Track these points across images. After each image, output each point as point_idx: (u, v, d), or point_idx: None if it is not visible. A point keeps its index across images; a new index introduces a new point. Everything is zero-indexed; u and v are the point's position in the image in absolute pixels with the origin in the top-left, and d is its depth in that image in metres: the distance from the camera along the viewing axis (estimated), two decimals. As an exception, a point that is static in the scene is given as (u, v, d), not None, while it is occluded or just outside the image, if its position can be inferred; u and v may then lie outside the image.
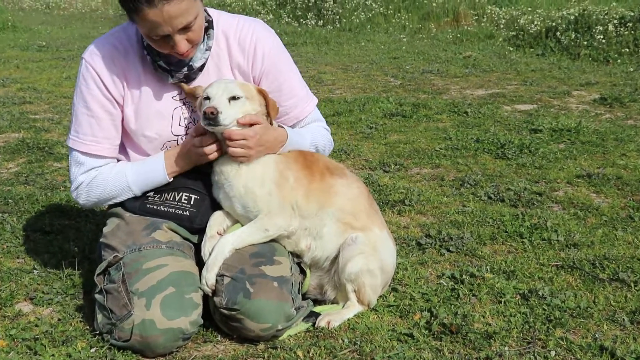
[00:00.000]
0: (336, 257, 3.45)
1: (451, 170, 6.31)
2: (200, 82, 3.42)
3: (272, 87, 3.50)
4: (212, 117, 3.12)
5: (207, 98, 3.21)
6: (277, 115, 3.43)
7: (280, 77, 3.53)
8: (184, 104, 3.44)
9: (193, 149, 3.30)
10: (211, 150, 3.27)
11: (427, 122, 8.39)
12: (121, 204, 3.52)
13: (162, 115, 3.39)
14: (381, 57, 13.97)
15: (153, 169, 3.38)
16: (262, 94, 3.31)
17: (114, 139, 3.41)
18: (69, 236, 4.72)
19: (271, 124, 3.31)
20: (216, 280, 3.20)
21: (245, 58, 3.44)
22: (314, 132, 3.60)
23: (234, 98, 3.18)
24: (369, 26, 18.42)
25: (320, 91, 10.68)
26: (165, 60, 3.27)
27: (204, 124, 3.17)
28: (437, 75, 11.85)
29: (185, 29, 3.07)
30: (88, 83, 3.31)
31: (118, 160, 3.47)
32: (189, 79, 3.37)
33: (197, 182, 3.49)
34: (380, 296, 3.70)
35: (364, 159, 6.77)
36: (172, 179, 3.42)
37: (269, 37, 3.48)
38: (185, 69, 3.34)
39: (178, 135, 3.44)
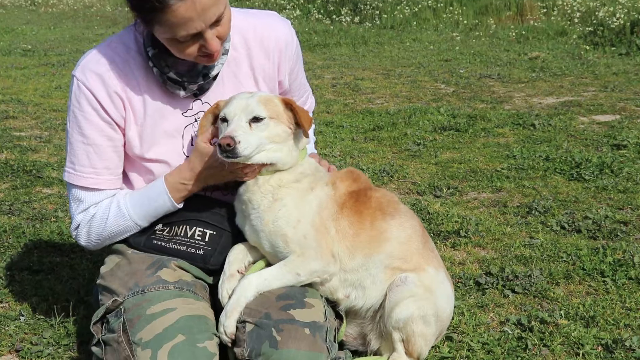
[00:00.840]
0: (382, 304, 3.47)
1: (515, 195, 6.31)
2: (214, 93, 3.48)
3: (294, 87, 3.74)
4: (228, 150, 3.10)
5: (225, 120, 3.26)
6: None
7: (300, 73, 3.77)
8: (197, 120, 3.48)
9: (215, 164, 3.32)
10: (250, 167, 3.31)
11: (486, 137, 8.39)
12: (124, 239, 3.57)
13: (171, 135, 3.43)
14: (430, 59, 14.03)
15: (156, 196, 3.40)
16: (291, 107, 3.34)
17: (116, 167, 3.45)
18: (62, 276, 4.80)
19: (306, 135, 3.36)
20: (237, 327, 3.22)
21: (270, 60, 3.51)
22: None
23: (255, 120, 3.21)
24: (415, 23, 18.52)
25: (357, 101, 10.76)
26: (175, 71, 3.32)
27: (221, 156, 3.18)
28: (498, 80, 11.85)
29: (216, 22, 3.13)
30: (82, 106, 3.33)
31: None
32: (202, 90, 3.42)
33: (213, 213, 3.53)
34: (433, 347, 3.71)
35: (411, 182, 6.79)
36: (181, 204, 3.45)
37: (290, 30, 3.61)
38: (201, 78, 3.39)
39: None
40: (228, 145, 3.10)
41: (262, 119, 3.22)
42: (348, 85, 11.84)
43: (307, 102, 3.90)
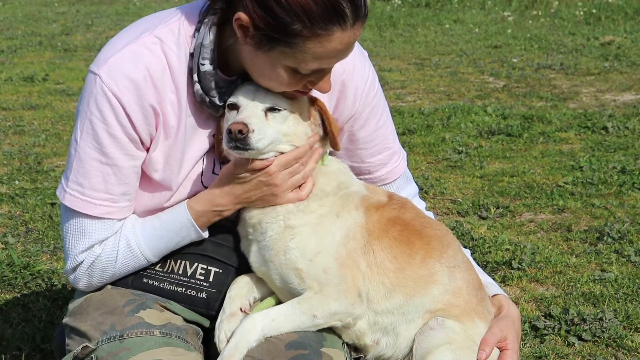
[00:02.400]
0: (411, 350, 3.47)
1: (583, 217, 6.31)
2: None
3: (360, 137, 3.63)
4: (240, 138, 3.11)
5: (235, 107, 3.29)
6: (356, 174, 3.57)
7: (373, 123, 3.65)
8: None
9: (253, 180, 3.30)
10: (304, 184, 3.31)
11: (545, 143, 8.39)
12: None
13: (195, 161, 3.44)
14: (475, 45, 14.07)
15: (178, 229, 3.39)
16: (319, 107, 3.37)
17: (134, 192, 3.41)
18: (12, 317, 4.82)
19: (336, 147, 3.42)
20: (233, 381, 3.27)
21: (328, 94, 3.47)
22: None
23: (272, 110, 3.23)
24: (455, -1, 18.59)
25: (382, 98, 10.78)
26: (220, 92, 3.32)
27: (228, 147, 3.16)
28: (560, 72, 11.87)
29: None
30: (105, 116, 3.25)
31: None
32: None
33: (218, 245, 3.51)
34: (477, 408, 3.71)
35: (450, 199, 6.80)
36: (207, 233, 3.44)
37: (364, 69, 3.58)
38: None
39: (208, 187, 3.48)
40: (240, 132, 3.09)
41: (280, 110, 3.24)
42: (371, 78, 11.87)
43: (383, 166, 3.73)
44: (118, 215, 3.36)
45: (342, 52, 3.11)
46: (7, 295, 5.11)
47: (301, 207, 3.33)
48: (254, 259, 3.40)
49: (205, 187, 3.43)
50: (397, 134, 8.79)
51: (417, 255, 3.38)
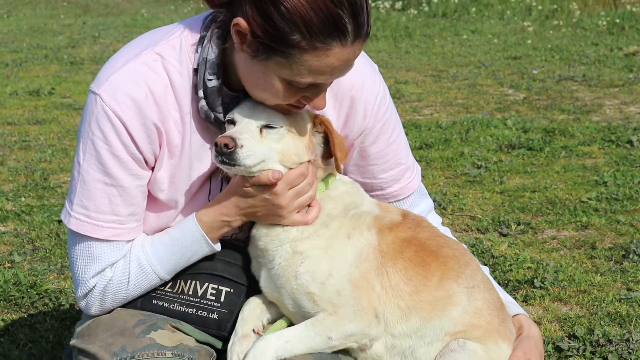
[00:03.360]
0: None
1: (607, 234, 6.30)
2: None
3: (372, 152, 3.62)
4: (225, 152, 3.10)
5: (232, 123, 3.27)
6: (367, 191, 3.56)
7: (384, 138, 3.63)
8: None
9: (255, 201, 3.30)
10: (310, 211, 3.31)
11: (568, 157, 8.38)
12: None
13: (199, 180, 3.44)
14: (493, 56, 14.08)
15: (189, 243, 3.38)
16: (323, 124, 3.34)
17: (142, 212, 3.42)
18: (19, 338, 4.84)
19: (339, 171, 3.39)
20: (248, 405, 3.26)
21: (337, 110, 3.53)
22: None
23: (268, 127, 3.22)
24: (474, 9, 18.60)
25: (399, 110, 10.71)
26: (226, 108, 3.32)
27: (216, 161, 3.17)
28: (583, 83, 11.86)
29: None
30: (108, 137, 3.25)
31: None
32: None
33: (229, 264, 3.52)
34: None
35: (469, 216, 6.80)
36: (219, 245, 3.43)
37: (374, 83, 3.56)
38: None
39: None
40: (226, 146, 3.09)
41: (275, 128, 3.23)
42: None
43: (396, 182, 3.73)
44: (127, 236, 3.37)
45: (339, 69, 3.10)
46: (13, 315, 5.13)
47: (306, 234, 3.32)
48: (264, 284, 3.40)
49: None
50: (414, 148, 8.83)
51: (433, 277, 3.37)
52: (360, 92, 3.50)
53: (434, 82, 12.50)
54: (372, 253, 3.34)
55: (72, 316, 5.01)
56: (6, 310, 5.21)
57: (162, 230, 3.45)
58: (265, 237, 3.35)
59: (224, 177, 3.40)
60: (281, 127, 3.23)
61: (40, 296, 5.33)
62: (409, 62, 13.95)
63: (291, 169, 3.26)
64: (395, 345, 3.40)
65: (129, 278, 3.38)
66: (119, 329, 3.41)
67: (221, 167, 3.16)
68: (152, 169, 3.35)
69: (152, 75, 3.25)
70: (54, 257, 6.04)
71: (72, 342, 3.53)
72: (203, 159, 3.38)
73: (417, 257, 3.38)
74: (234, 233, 3.52)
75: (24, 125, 10.50)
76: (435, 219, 3.84)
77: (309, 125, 3.32)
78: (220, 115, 3.27)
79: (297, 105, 3.22)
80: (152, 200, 3.42)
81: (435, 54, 14.59)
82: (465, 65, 13.50)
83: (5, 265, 5.91)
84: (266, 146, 3.20)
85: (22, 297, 5.34)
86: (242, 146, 3.11)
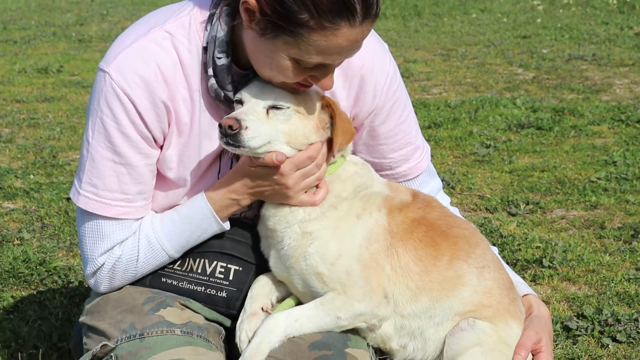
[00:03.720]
0: (441, 353, 3.49)
1: (616, 214, 6.30)
2: None
3: (381, 132, 3.62)
4: (230, 134, 3.09)
5: (240, 102, 3.27)
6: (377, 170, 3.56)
7: (394, 118, 3.63)
8: None
9: (263, 183, 3.30)
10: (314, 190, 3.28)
11: (577, 137, 8.37)
12: None
13: (212, 158, 3.45)
14: (503, 35, 14.03)
15: (198, 221, 3.39)
16: (330, 107, 3.32)
17: (150, 190, 3.43)
18: (28, 315, 4.85)
19: (333, 155, 3.34)
20: (258, 382, 3.29)
21: (347, 89, 3.52)
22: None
23: (275, 107, 3.22)
24: (482, -13, 18.54)
25: (408, 89, 10.72)
26: (236, 86, 3.32)
27: (221, 142, 3.16)
28: (593, 62, 11.83)
29: None
30: (117, 116, 3.24)
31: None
32: None
33: (238, 242, 3.53)
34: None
35: (478, 195, 6.79)
36: (228, 224, 3.45)
37: (384, 62, 3.54)
38: None
39: None
40: (230, 127, 3.08)
41: (282, 108, 3.21)
42: (396, 70, 11.86)
43: (405, 162, 3.73)
44: (135, 215, 3.38)
45: (347, 50, 3.09)
46: (22, 292, 5.15)
47: (314, 215, 3.32)
48: (274, 264, 3.41)
49: None
50: (423, 127, 8.82)
51: (443, 257, 3.38)
52: (370, 71, 3.49)
53: (443, 61, 12.47)
54: (381, 234, 3.34)
55: (81, 293, 5.02)
56: (15, 287, 5.23)
57: (170, 208, 3.46)
58: (274, 217, 3.36)
59: (233, 156, 3.41)
60: (288, 107, 3.21)
61: (50, 273, 5.35)
62: (418, 41, 13.91)
63: (300, 150, 3.25)
64: (405, 326, 3.41)
65: (137, 256, 3.39)
66: (128, 306, 3.42)
67: (226, 148, 3.16)
68: (161, 147, 3.36)
69: (161, 54, 3.25)
70: (63, 235, 6.05)
71: (81, 319, 3.55)
72: (212, 138, 3.38)
73: (427, 237, 3.38)
74: (243, 211, 3.52)
75: (33, 102, 10.51)
76: (444, 199, 3.84)
77: (318, 106, 3.30)
78: (230, 94, 3.27)
79: (304, 84, 3.22)
80: (161, 178, 3.43)
81: (444, 33, 14.56)
82: (474, 44, 13.47)
83: (15, 243, 5.92)
84: (272, 127, 3.19)
85: (32, 275, 5.35)
86: (247, 127, 3.10)
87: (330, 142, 3.33)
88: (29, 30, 15.76)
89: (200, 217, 3.38)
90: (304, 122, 3.26)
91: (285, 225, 3.33)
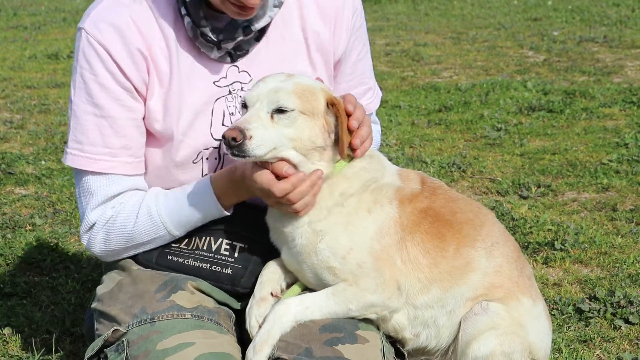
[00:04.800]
0: (455, 337, 3.49)
1: (628, 196, 6.29)
2: (255, 59, 3.53)
3: (345, 73, 3.67)
4: (234, 145, 3.06)
5: (245, 106, 3.25)
6: None
7: (354, 54, 3.70)
8: (230, 92, 3.53)
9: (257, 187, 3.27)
10: (299, 196, 3.20)
11: (589, 119, 8.35)
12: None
13: (198, 110, 3.47)
14: (513, 18, 13.99)
15: (200, 203, 3.41)
16: (335, 107, 3.27)
17: (137, 147, 3.46)
18: (41, 300, 4.87)
19: (342, 156, 3.29)
20: (269, 365, 3.30)
21: (327, 25, 3.57)
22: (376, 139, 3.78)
23: (279, 111, 3.18)
24: (492, -30, 18.47)
25: (418, 73, 10.77)
26: (212, 26, 3.38)
27: (227, 153, 3.14)
28: (604, 45, 11.79)
29: None
30: (94, 67, 3.34)
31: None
32: (239, 51, 3.48)
33: (243, 221, 3.54)
34: (521, 393, 3.71)
35: (489, 178, 6.78)
36: (231, 211, 3.45)
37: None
38: (240, 32, 3.42)
39: (220, 139, 3.50)
40: (234, 139, 3.06)
41: (287, 112, 3.17)
42: (406, 53, 11.85)
43: (364, 98, 3.79)
44: (122, 170, 3.42)
45: None
46: (35, 278, 5.16)
47: (322, 215, 3.30)
48: (286, 257, 3.41)
49: (215, 140, 3.49)
50: (433, 110, 8.87)
51: (449, 248, 3.40)
52: (346, 4, 3.60)
53: (453, 44, 12.45)
54: (392, 227, 3.35)
55: (93, 279, 5.04)
56: (28, 272, 5.24)
57: (167, 168, 3.51)
58: (280, 220, 3.37)
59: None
60: (293, 110, 3.17)
61: (62, 259, 5.36)
62: (428, 25, 13.88)
63: (306, 154, 3.23)
64: (418, 316, 3.43)
65: (135, 222, 3.42)
66: (139, 292, 3.45)
67: (233, 158, 3.14)
68: (145, 100, 3.41)
69: (133, 4, 3.35)
70: (75, 220, 6.06)
71: (93, 305, 3.58)
72: (195, 85, 3.44)
73: (433, 229, 3.40)
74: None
75: (43, 88, 10.52)
76: (378, 128, 3.88)
77: (323, 106, 3.26)
78: (207, 30, 3.34)
79: (237, 4, 3.25)
80: (151, 137, 3.49)
81: (454, 16, 14.53)
82: (484, 27, 13.43)
83: (27, 228, 5.94)
84: (277, 132, 3.15)
85: (44, 260, 5.37)
86: (251, 137, 3.08)
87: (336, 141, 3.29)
88: (39, 16, 15.77)
89: (201, 199, 3.40)
90: (310, 125, 3.22)
91: (292, 228, 3.33)
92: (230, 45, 3.40)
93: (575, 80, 9.89)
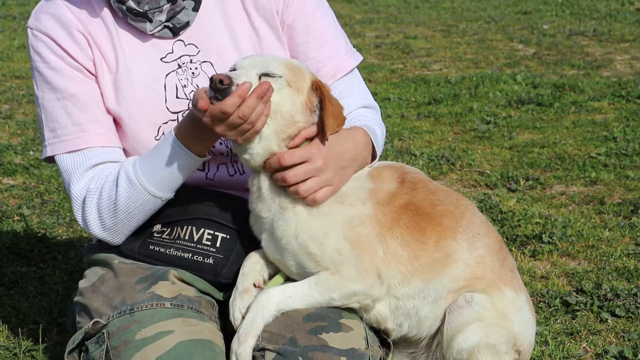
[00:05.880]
0: (439, 329, 3.51)
1: (616, 189, 6.29)
2: (198, 30, 3.58)
3: (297, 27, 3.68)
4: (220, 88, 3.04)
5: (234, 70, 3.28)
6: None
7: (304, 13, 3.70)
8: (180, 66, 3.58)
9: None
10: (249, 109, 3.06)
11: (577, 113, 8.35)
12: (116, 248, 3.60)
13: (150, 87, 3.53)
14: (503, 11, 13.99)
15: (169, 154, 3.38)
16: (320, 89, 3.30)
17: (106, 120, 3.52)
18: (28, 291, 4.86)
19: (325, 139, 3.30)
20: (253, 356, 3.24)
21: None
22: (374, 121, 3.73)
23: (267, 75, 3.22)
24: (483, -37, 18.47)
25: (408, 66, 10.76)
26: (137, 1, 3.44)
27: (210, 96, 3.09)
28: (594, 38, 11.79)
29: None
30: (44, 56, 3.50)
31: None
32: (178, 24, 3.53)
33: (226, 211, 3.56)
34: (507, 385, 3.71)
35: (478, 171, 6.78)
36: (207, 156, 3.43)
37: None
38: (166, 2, 3.47)
39: (177, 112, 3.56)
40: (221, 81, 3.05)
41: (274, 77, 3.21)
42: (396, 46, 11.85)
43: (329, 60, 3.72)
44: (95, 142, 3.49)
45: None
46: (22, 268, 5.15)
47: (292, 202, 3.31)
48: (266, 246, 3.43)
49: (172, 113, 3.55)
50: (423, 103, 8.85)
51: (429, 241, 3.41)
52: None
53: (443, 37, 12.45)
54: (367, 221, 3.36)
55: (81, 269, 5.01)
56: (15, 262, 5.23)
57: (135, 148, 3.59)
58: (259, 206, 3.38)
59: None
60: (280, 77, 3.22)
61: (49, 249, 5.35)
62: (418, 17, 13.87)
63: (282, 128, 3.23)
64: (400, 307, 3.44)
65: (116, 192, 3.43)
66: (120, 284, 3.47)
67: (213, 103, 3.08)
68: (97, 81, 3.53)
69: None
70: (63, 211, 6.05)
71: (75, 298, 3.62)
72: (142, 64, 3.54)
73: (412, 223, 3.41)
74: (234, 173, 3.63)
75: (32, 79, 10.46)
76: (365, 115, 3.77)
77: (308, 85, 3.30)
78: (131, 3, 3.44)
79: None
80: (114, 119, 3.58)
81: (444, 9, 14.52)
82: (474, 20, 13.43)
83: (15, 219, 5.92)
84: None
85: (31, 250, 5.36)
86: (237, 85, 3.09)
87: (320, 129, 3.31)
88: (28, 6, 15.71)
89: (170, 150, 3.39)
90: (293, 98, 3.25)
91: (268, 212, 3.35)
92: (162, 17, 3.49)
93: (565, 74, 9.90)
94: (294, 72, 3.27)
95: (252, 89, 3.06)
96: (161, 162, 3.39)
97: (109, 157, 3.51)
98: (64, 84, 3.49)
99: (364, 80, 3.90)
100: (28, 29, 3.55)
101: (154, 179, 3.41)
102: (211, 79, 3.08)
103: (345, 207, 3.34)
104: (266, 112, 3.14)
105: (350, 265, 3.27)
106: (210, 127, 3.14)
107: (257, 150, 3.24)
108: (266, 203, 3.34)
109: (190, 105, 3.23)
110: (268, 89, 3.09)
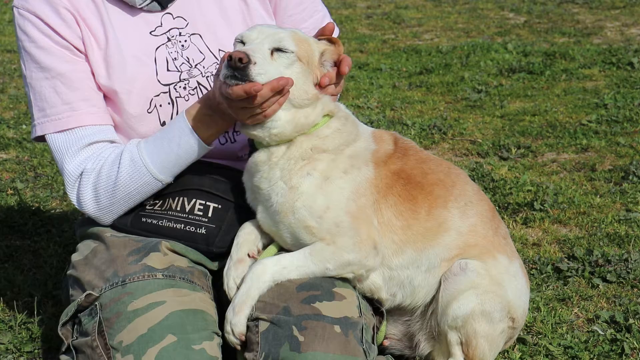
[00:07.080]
0: (434, 297, 3.52)
1: (607, 156, 6.29)
2: (182, 3, 3.59)
3: (291, 4, 3.73)
4: (239, 66, 3.06)
5: (242, 43, 3.26)
6: None
7: None
8: (169, 39, 3.58)
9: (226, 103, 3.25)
10: (263, 97, 3.11)
11: (568, 80, 8.34)
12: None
13: (140, 61, 3.53)
14: (494, -20, 13.95)
15: (177, 137, 3.40)
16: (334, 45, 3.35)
17: (96, 99, 3.52)
18: (23, 264, 4.86)
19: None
20: (248, 326, 3.25)
21: None
22: None
23: (279, 50, 3.21)
24: None
25: (399, 36, 10.74)
26: None
27: (225, 77, 3.10)
28: (584, 6, 11.77)
29: None
30: (31, 35, 3.46)
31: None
32: None
33: (217, 181, 3.56)
34: (501, 352, 3.71)
35: (469, 140, 6.78)
36: (213, 145, 3.45)
37: None
38: None
39: (169, 84, 3.56)
40: (240, 60, 3.06)
41: (287, 52, 3.21)
42: (387, 16, 11.80)
43: (314, 30, 3.70)
44: (87, 120, 3.48)
45: None
46: (17, 242, 5.15)
47: (295, 167, 3.31)
48: (262, 218, 3.42)
49: (164, 85, 3.55)
50: (414, 73, 8.84)
51: (421, 210, 3.41)
52: None
53: (434, 6, 12.42)
54: (368, 188, 3.37)
55: (75, 242, 4.99)
56: (10, 236, 5.23)
57: (128, 122, 3.58)
58: (257, 176, 3.37)
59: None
60: (292, 52, 3.21)
61: (43, 222, 5.35)
62: (409, -13, 13.84)
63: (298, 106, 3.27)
64: (393, 277, 3.45)
65: (118, 171, 3.43)
66: (112, 257, 3.47)
67: (229, 82, 3.10)
68: (87, 58, 3.51)
69: None
70: (56, 184, 6.04)
71: (69, 272, 3.61)
72: (132, 38, 3.53)
73: (405, 192, 3.42)
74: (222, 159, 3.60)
75: (19, 58, 10.45)
76: None
77: (317, 58, 3.32)
78: None
79: None
80: (105, 94, 3.56)
81: (435, -21, 14.48)
82: (465, -10, 13.41)
83: (8, 192, 5.92)
84: (277, 69, 3.18)
85: (25, 224, 5.35)
86: (255, 63, 3.10)
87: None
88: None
89: (178, 133, 3.40)
90: (305, 73, 3.27)
91: (268, 184, 3.33)
92: None
93: (556, 42, 9.89)
94: (303, 46, 3.27)
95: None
96: (167, 144, 3.41)
97: (102, 136, 3.50)
98: (53, 63, 3.46)
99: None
100: (14, 8, 3.50)
101: (158, 160, 3.42)
102: (230, 57, 3.08)
103: (351, 175, 3.33)
104: (281, 101, 3.19)
105: (347, 237, 3.27)
106: (226, 103, 3.19)
107: (276, 131, 3.28)
108: (267, 175, 3.32)
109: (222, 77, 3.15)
110: (288, 84, 3.14)
